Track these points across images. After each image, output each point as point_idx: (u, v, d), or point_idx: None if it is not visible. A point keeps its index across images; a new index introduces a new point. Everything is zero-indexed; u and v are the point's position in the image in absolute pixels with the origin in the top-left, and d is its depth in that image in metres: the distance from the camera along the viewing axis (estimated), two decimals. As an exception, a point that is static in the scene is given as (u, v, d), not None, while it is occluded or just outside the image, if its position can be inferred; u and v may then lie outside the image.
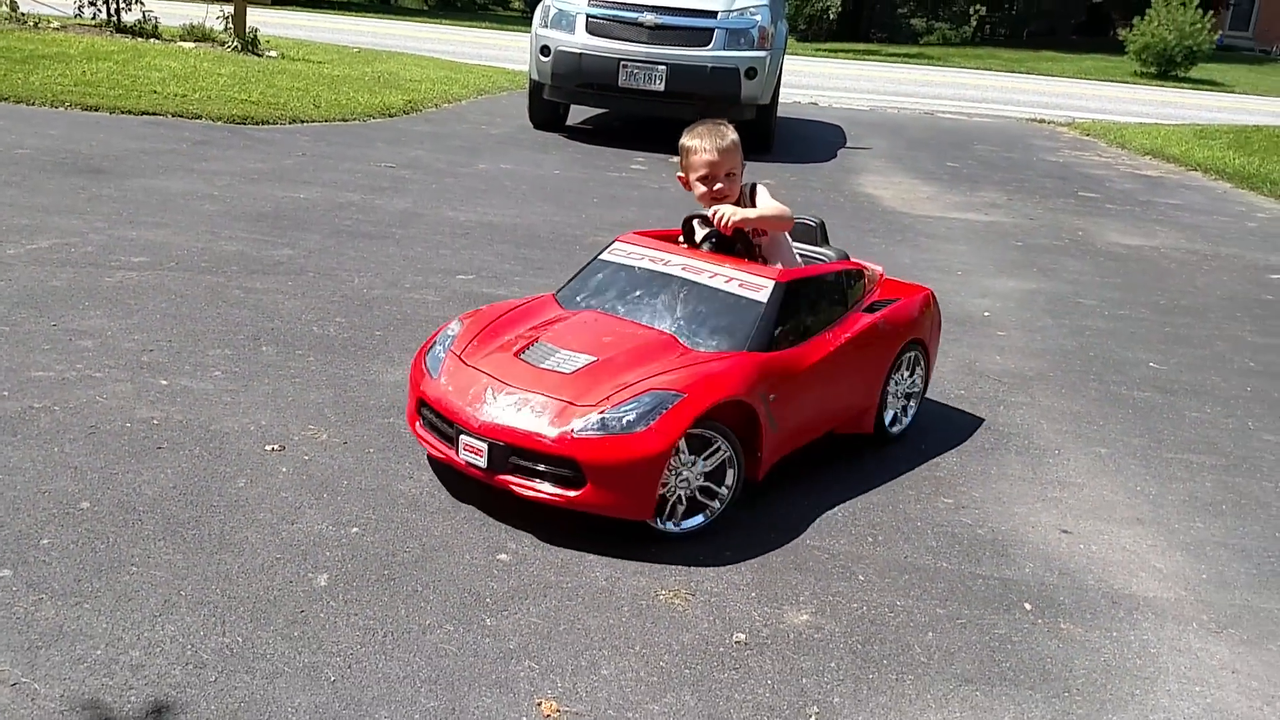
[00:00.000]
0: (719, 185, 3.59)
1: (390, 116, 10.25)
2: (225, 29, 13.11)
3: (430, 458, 3.37)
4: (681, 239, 3.74)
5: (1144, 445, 4.12)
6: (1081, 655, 2.77)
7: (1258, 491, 3.81)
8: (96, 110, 8.84)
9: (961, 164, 10.67)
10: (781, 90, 10.68)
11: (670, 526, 3.10)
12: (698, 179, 3.61)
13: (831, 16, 28.51)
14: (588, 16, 9.55)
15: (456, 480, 3.28)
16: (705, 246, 3.63)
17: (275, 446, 3.43)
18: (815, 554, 3.13)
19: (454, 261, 5.68)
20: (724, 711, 2.43)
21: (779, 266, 3.60)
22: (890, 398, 3.87)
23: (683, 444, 3.03)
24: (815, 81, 16.96)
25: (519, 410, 3.03)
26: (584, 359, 3.17)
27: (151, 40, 12.79)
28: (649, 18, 9.43)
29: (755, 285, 3.42)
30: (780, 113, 10.88)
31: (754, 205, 3.62)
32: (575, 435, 2.95)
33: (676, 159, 3.75)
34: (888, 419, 3.88)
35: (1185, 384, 4.83)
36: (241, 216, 6.09)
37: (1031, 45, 31.30)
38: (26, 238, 5.30)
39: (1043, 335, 5.36)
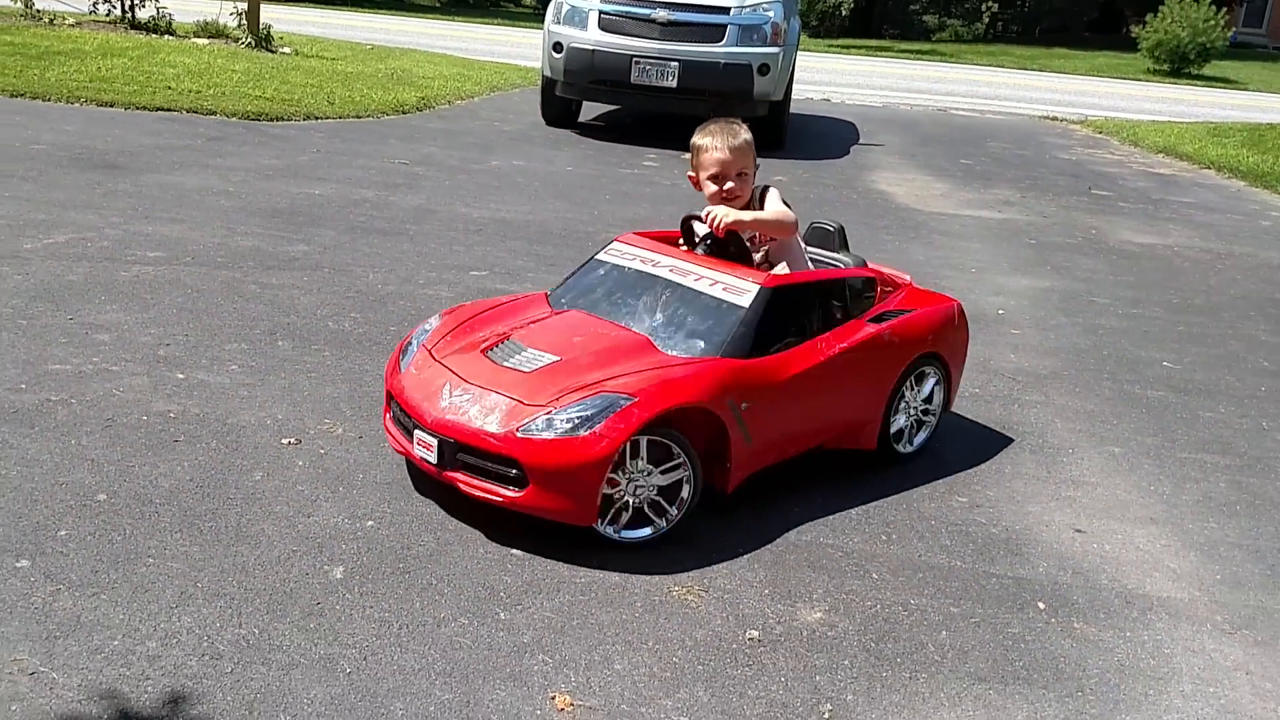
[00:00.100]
0: (730, 185, 3.49)
1: (404, 113, 10.27)
2: (239, 25, 13.14)
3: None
4: (681, 240, 3.66)
5: (1158, 445, 4.11)
6: (1095, 655, 2.77)
7: (1272, 492, 3.80)
8: (111, 106, 8.88)
9: (974, 161, 10.65)
10: (794, 87, 10.67)
11: (610, 532, 3.01)
12: (708, 178, 3.52)
13: (844, 13, 28.49)
14: (600, 13, 9.55)
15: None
16: (700, 249, 3.53)
17: (291, 440, 3.45)
18: (829, 552, 3.13)
19: (467, 258, 5.69)
20: (737, 708, 2.44)
21: (768, 271, 3.50)
22: (900, 415, 3.70)
23: (642, 450, 2.96)
24: (828, 78, 16.93)
25: (470, 407, 2.98)
26: (547, 359, 3.11)
27: (165, 37, 12.83)
28: (662, 14, 9.43)
29: (739, 289, 3.31)
30: (793, 109, 10.87)
31: (761, 208, 3.53)
32: (519, 435, 2.89)
33: (689, 156, 3.67)
34: (895, 437, 3.71)
35: (1199, 383, 4.82)
36: (257, 212, 6.12)
37: (1044, 42, 31.19)
38: (43, 232, 5.33)
39: (1056, 334, 5.35)
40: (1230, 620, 2.98)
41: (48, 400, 3.54)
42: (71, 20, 13.10)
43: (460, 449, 2.97)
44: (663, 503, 3.05)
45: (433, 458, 3.02)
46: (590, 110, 11.07)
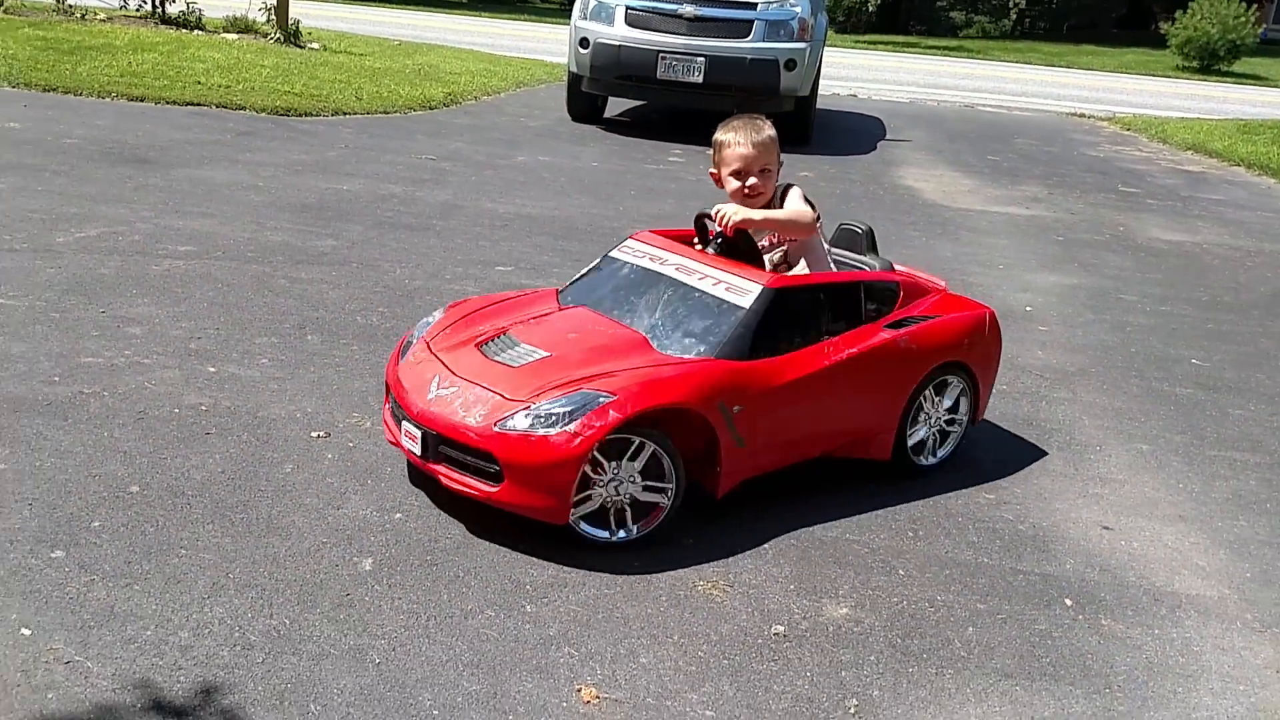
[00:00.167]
0: (752, 181, 3.41)
1: (430, 109, 10.31)
2: (268, 21, 13.24)
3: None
4: (696, 239, 3.57)
5: (1186, 442, 4.08)
6: (1123, 652, 2.76)
7: (1303, 490, 3.77)
8: (142, 101, 8.97)
9: (1002, 157, 10.58)
10: (821, 82, 10.64)
11: (584, 528, 2.96)
12: (730, 174, 3.44)
13: (870, 9, 28.34)
14: (627, 9, 9.56)
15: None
16: (710, 248, 3.44)
17: (321, 433, 3.48)
18: (854, 548, 3.13)
19: (493, 253, 5.71)
20: (762, 702, 2.45)
21: (786, 271, 3.44)
22: (920, 426, 3.57)
23: (626, 450, 2.90)
24: (854, 74, 16.86)
25: (454, 400, 2.98)
26: (538, 354, 3.09)
27: (195, 32, 12.94)
28: (688, 9, 9.42)
29: (741, 289, 3.22)
30: (819, 105, 10.84)
31: (782, 208, 3.44)
32: (496, 430, 2.86)
33: (711, 152, 3.60)
34: (915, 448, 3.58)
35: (1228, 381, 4.78)
36: (286, 207, 6.16)
37: (1072, 39, 30.93)
38: (75, 226, 5.39)
39: (1084, 331, 5.32)
40: (1260, 618, 2.96)
41: (81, 393, 3.59)
42: (103, 15, 13.23)
43: (442, 441, 2.96)
44: (646, 500, 2.99)
45: (417, 449, 3.03)
46: (615, 106, 11.08)
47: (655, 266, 3.42)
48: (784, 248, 3.51)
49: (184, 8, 13.29)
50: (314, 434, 3.47)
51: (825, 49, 10.86)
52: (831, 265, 3.57)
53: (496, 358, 3.11)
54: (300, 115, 9.11)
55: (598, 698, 2.40)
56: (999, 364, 3.86)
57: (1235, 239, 7.77)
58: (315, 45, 13.24)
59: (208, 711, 2.24)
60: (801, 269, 3.48)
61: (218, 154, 7.35)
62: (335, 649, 2.47)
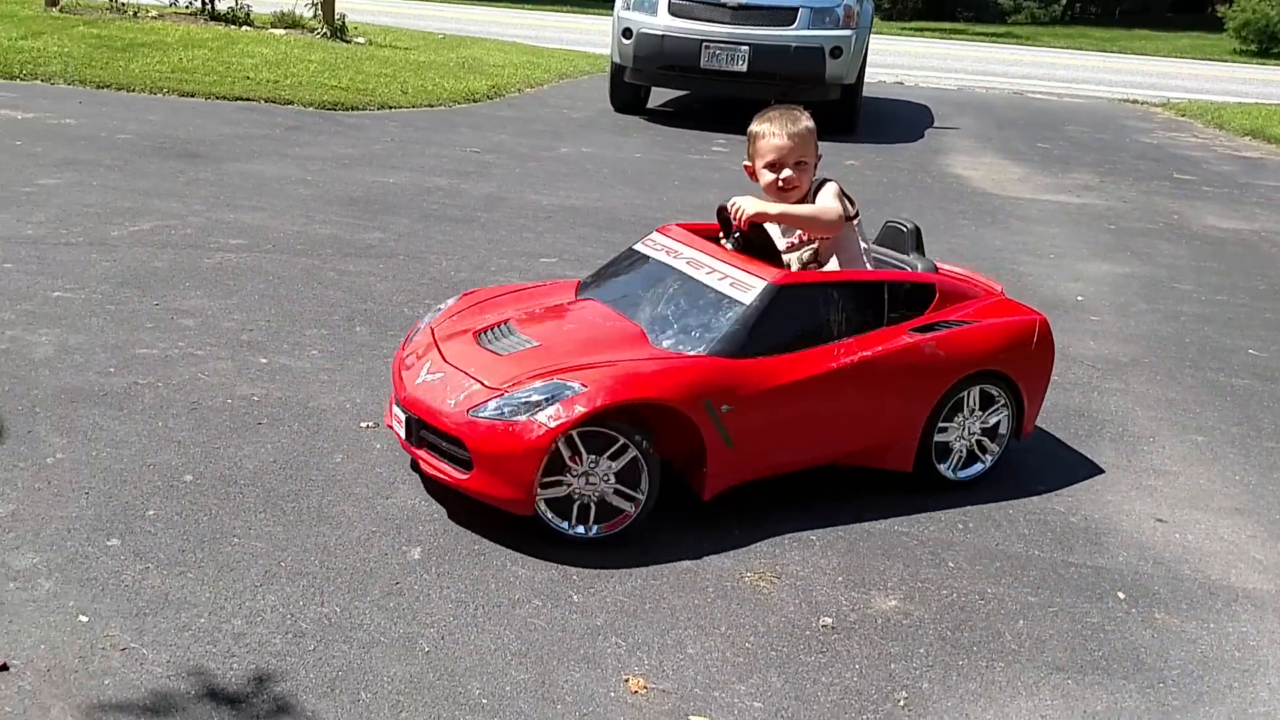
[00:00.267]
0: (787, 174, 3.27)
1: (474, 102, 10.36)
2: (314, 16, 13.36)
3: None
4: (721, 234, 3.40)
5: (1243, 434, 4.00)
6: (1177, 646, 2.71)
7: (1365, 483, 3.68)
8: (193, 96, 9.10)
9: (1052, 145, 10.43)
10: (867, 70, 10.54)
11: (555, 522, 2.90)
12: (764, 166, 3.32)
13: (917, -5, 28.04)
14: (670, -1, 9.53)
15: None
16: (729, 242, 3.30)
17: (370, 423, 3.51)
18: (903, 540, 3.11)
19: (537, 245, 5.73)
20: (811, 694, 2.44)
21: (816, 268, 3.31)
22: (949, 436, 3.37)
23: (596, 444, 2.84)
24: (901, 61, 16.69)
25: (437, 386, 2.97)
26: (528, 344, 3.05)
27: (244, 28, 13.09)
28: (732, -2, 9.37)
29: (745, 285, 3.10)
30: (865, 93, 10.74)
31: (813, 203, 3.30)
32: (468, 417, 2.84)
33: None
34: (947, 461, 3.38)
35: (1288, 371, 4.68)
36: (334, 200, 6.23)
37: (1124, 24, 30.39)
38: (129, 220, 5.48)
39: (1137, 320, 5.23)
40: (1320, 614, 2.90)
41: (136, 384, 3.65)
42: (154, 13, 13.42)
43: (423, 426, 2.97)
44: (614, 504, 2.92)
45: (402, 432, 3.05)
46: (658, 96, 11.06)
47: (669, 260, 3.34)
48: (814, 245, 3.36)
49: (233, 4, 13.45)
50: (363, 424, 3.50)
51: (871, 36, 10.75)
52: (868, 264, 3.38)
53: (488, 346, 3.09)
54: (347, 109, 9.19)
55: (645, 688, 2.41)
56: (1049, 377, 3.58)
57: (1294, 226, 7.60)
58: (361, 40, 13.35)
59: (260, 698, 2.27)
60: (833, 267, 3.33)
61: (267, 148, 7.44)
62: (385, 637, 2.49)
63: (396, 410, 3.08)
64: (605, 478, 2.89)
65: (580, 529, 2.93)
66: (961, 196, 7.82)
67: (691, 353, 3.00)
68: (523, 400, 2.82)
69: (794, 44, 9.33)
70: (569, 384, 2.82)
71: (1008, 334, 3.41)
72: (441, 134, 8.57)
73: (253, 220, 5.67)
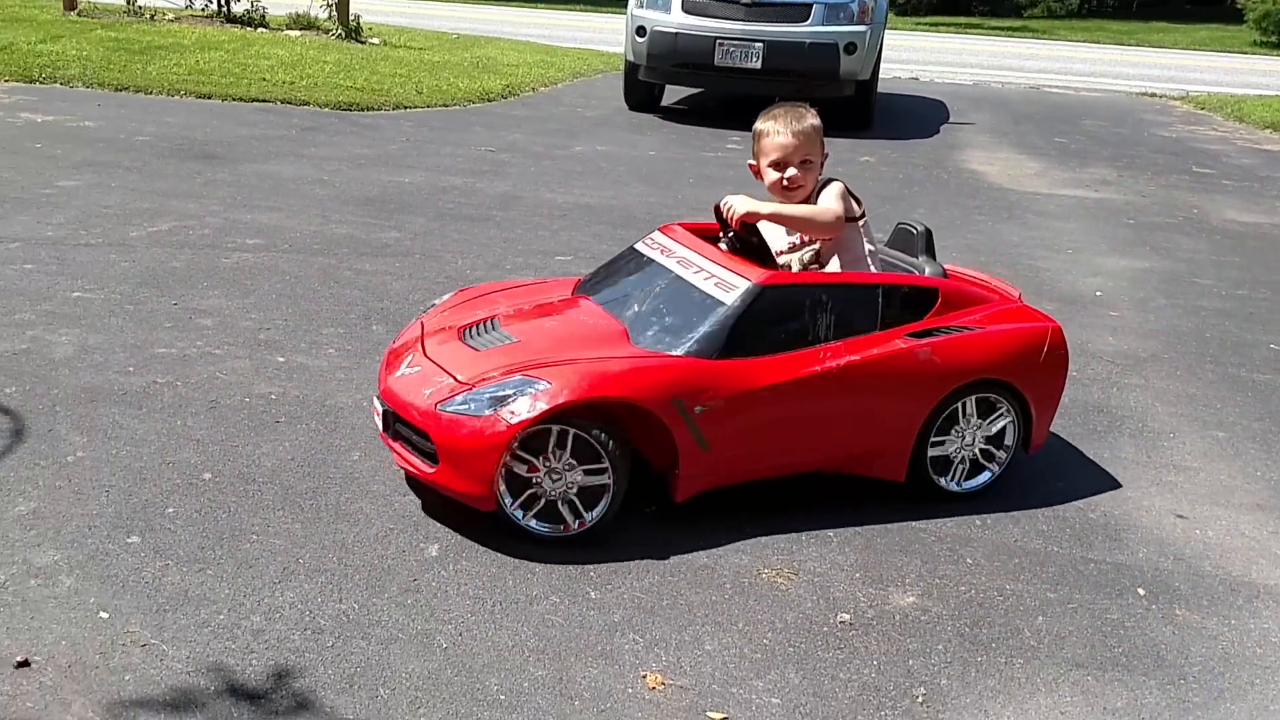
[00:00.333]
0: (791, 172, 3.22)
1: (489, 101, 10.37)
2: (329, 17, 13.40)
3: None
4: (720, 233, 3.31)
5: (1264, 429, 3.97)
6: (1198, 642, 2.69)
7: (1388, 477, 3.65)
8: (210, 98, 9.14)
9: (1069, 139, 10.37)
10: (882, 65, 10.50)
11: (516, 514, 2.88)
12: (769, 164, 3.27)
13: (932, -10, 27.93)
14: (683, -4, 9.52)
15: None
16: (723, 243, 3.24)
17: (385, 422, 3.52)
18: (921, 536, 3.10)
19: (553, 243, 5.74)
20: (829, 690, 2.43)
21: (817, 269, 3.25)
22: (948, 446, 3.26)
23: (565, 441, 2.82)
24: (916, 56, 16.62)
25: (413, 379, 2.98)
26: (506, 340, 3.04)
27: (259, 30, 13.15)
28: (746, -6, 9.34)
29: (729, 285, 3.04)
30: (880, 88, 10.70)
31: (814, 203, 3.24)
32: (435, 410, 2.84)
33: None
34: (948, 474, 3.28)
35: (1309, 366, 4.64)
36: (350, 200, 6.25)
37: (1141, 16, 30.19)
38: (148, 220, 5.51)
39: (1156, 315, 5.20)
40: (1343, 610, 2.87)
41: (155, 383, 3.67)
42: (171, 15, 13.49)
43: (397, 419, 2.97)
44: (578, 503, 2.90)
45: (379, 423, 3.06)
46: (672, 94, 11.05)
47: (662, 259, 3.30)
48: (815, 246, 3.28)
49: (248, 6, 13.49)
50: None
51: (886, 31, 10.71)
52: (873, 266, 3.29)
53: (468, 341, 3.09)
54: (362, 110, 9.22)
55: (663, 684, 2.41)
56: (1062, 387, 3.44)
57: (1314, 219, 7.54)
58: (375, 40, 13.39)
59: (280, 694, 2.28)
60: (834, 268, 3.26)
61: (283, 149, 7.47)
62: (403, 633, 2.50)
63: (376, 402, 3.09)
64: (568, 466, 2.86)
65: (544, 526, 2.90)
66: (978, 192, 7.78)
67: (669, 352, 2.96)
68: (489, 395, 2.80)
69: (808, 40, 9.30)
70: (535, 380, 2.80)
71: (1014, 341, 3.29)
72: (456, 133, 8.58)
73: (270, 220, 5.69)
